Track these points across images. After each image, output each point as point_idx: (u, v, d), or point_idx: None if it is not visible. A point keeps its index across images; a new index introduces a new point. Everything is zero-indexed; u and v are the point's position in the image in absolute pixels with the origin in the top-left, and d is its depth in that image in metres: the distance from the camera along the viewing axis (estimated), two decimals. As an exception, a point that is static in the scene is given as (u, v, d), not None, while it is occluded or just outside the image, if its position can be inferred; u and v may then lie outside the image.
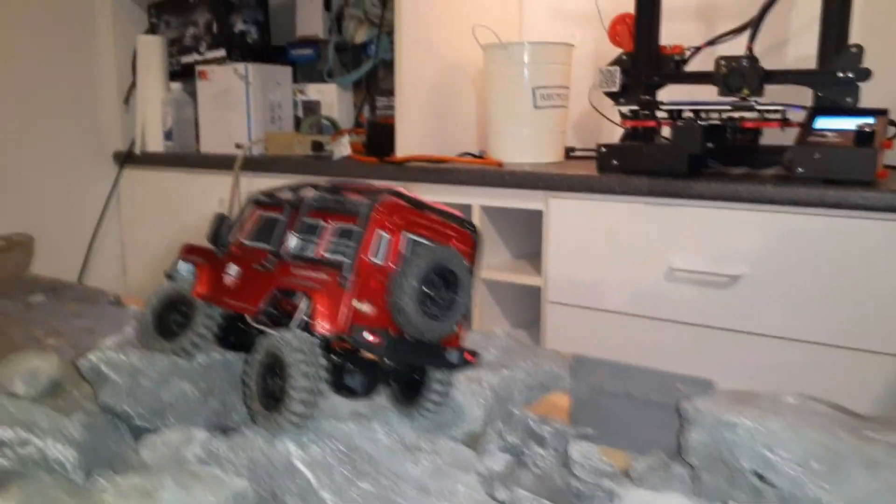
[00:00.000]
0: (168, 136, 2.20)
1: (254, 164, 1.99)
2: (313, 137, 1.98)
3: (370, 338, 0.51)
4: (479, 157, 1.84)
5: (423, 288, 0.54)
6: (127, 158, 2.30)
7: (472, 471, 0.46)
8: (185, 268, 0.68)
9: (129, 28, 2.31)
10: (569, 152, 1.89)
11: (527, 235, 1.77)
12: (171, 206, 2.24)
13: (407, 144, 1.79)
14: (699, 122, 1.38)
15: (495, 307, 1.76)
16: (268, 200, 0.64)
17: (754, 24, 1.43)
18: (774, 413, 0.46)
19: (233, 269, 0.62)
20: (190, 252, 0.68)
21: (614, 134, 1.89)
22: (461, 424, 0.52)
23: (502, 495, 0.46)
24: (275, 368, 0.52)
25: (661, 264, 1.38)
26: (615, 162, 1.42)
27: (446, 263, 0.55)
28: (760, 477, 0.46)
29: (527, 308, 1.75)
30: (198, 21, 2.21)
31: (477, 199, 1.64)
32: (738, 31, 1.49)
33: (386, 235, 0.55)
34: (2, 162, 2.11)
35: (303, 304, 0.54)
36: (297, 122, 2.16)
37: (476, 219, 1.65)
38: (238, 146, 2.06)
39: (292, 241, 0.59)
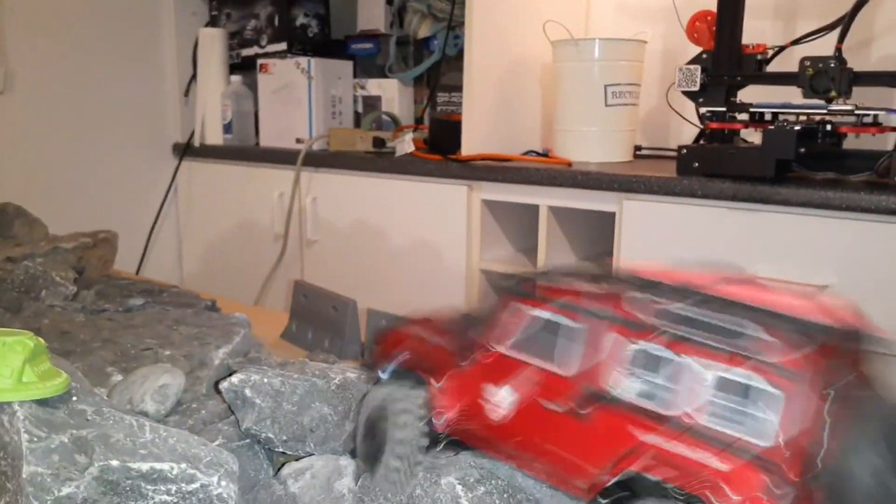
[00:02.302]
0: (227, 128, 2.20)
1: (314, 160, 1.97)
2: (375, 134, 1.96)
3: None
4: (544, 155, 1.80)
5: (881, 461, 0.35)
6: (186, 150, 2.31)
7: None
8: (391, 369, 0.47)
9: (190, 20, 2.31)
10: (636, 151, 1.84)
11: (592, 237, 1.73)
12: (229, 199, 2.24)
13: (473, 141, 1.76)
14: (792, 125, 1.32)
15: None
16: (537, 296, 0.43)
17: (845, 23, 1.37)
18: None
19: (504, 398, 0.42)
20: (401, 345, 0.46)
21: (683, 133, 1.84)
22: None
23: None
24: None
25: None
26: (696, 164, 1.38)
27: None
28: None
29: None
30: (259, 14, 2.20)
31: (545, 200, 1.61)
32: (826, 29, 1.43)
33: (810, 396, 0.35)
34: (65, 153, 2.13)
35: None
36: (357, 118, 2.14)
37: (543, 219, 1.62)
38: (299, 141, 2.05)
39: (628, 383, 0.39)
